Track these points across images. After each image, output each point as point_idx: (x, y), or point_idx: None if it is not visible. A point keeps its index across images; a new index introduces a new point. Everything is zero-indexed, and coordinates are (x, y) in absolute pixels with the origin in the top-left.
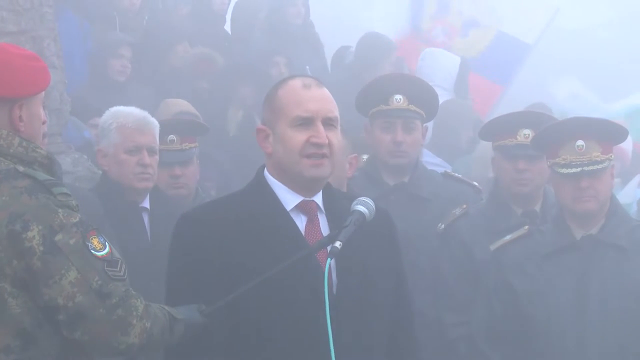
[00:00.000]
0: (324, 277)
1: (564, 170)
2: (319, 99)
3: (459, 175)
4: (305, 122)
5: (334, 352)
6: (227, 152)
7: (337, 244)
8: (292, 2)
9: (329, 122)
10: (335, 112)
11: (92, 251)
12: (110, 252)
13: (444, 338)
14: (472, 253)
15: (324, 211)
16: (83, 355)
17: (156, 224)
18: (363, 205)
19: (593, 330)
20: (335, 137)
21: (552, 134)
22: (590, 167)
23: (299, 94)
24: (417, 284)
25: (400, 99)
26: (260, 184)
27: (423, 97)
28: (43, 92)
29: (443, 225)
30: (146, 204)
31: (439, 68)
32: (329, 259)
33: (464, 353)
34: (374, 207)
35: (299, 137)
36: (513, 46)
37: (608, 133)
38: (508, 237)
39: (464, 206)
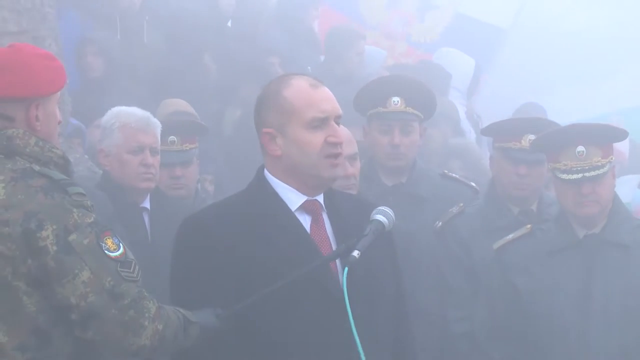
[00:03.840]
0: (344, 285)
1: (565, 176)
2: (329, 98)
3: (457, 176)
4: (321, 123)
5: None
6: (222, 151)
7: (355, 253)
8: (314, 5)
9: (337, 120)
10: (340, 109)
11: (106, 252)
12: (124, 253)
13: (447, 334)
14: (470, 250)
15: (325, 210)
16: (97, 354)
17: (156, 225)
18: (383, 215)
19: (596, 329)
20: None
21: (552, 139)
22: (592, 173)
23: (309, 94)
24: (419, 283)
25: (397, 101)
26: (262, 185)
27: (420, 99)
28: (59, 92)
29: (440, 223)
30: (146, 204)
31: (455, 70)
32: (345, 268)
33: (466, 350)
34: (393, 217)
35: (316, 139)
36: (482, 31)
37: (608, 137)
38: (510, 236)
39: (461, 204)
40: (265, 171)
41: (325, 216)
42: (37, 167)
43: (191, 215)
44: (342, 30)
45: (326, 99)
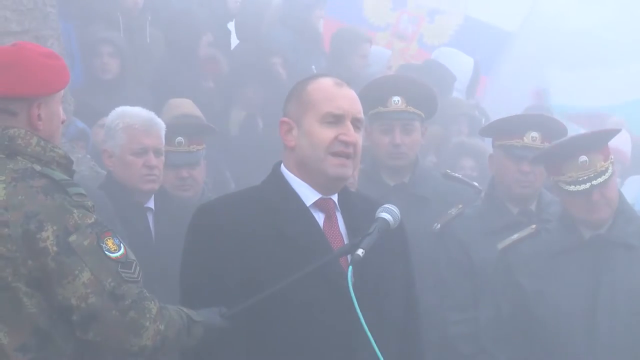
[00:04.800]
0: (349, 284)
1: (573, 188)
2: (351, 98)
3: (459, 175)
4: (336, 120)
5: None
6: (227, 152)
7: (360, 251)
8: (319, 5)
9: (356, 123)
10: (362, 114)
11: (107, 252)
12: (125, 254)
13: (445, 336)
14: (469, 252)
15: (339, 209)
16: (98, 355)
17: (160, 224)
18: (388, 213)
19: (603, 330)
20: (360, 139)
21: (553, 153)
22: (599, 180)
23: (331, 91)
24: (420, 283)
25: (398, 101)
26: (278, 180)
27: (421, 98)
28: (62, 91)
29: (439, 225)
30: (151, 204)
31: (454, 69)
32: (350, 267)
33: (465, 351)
34: (399, 215)
35: (327, 134)
36: (490, 33)
37: (606, 140)
38: (515, 236)
39: (460, 206)
40: (282, 166)
41: (339, 215)
42: (38, 167)
43: (205, 204)
44: (347, 33)
45: (347, 98)
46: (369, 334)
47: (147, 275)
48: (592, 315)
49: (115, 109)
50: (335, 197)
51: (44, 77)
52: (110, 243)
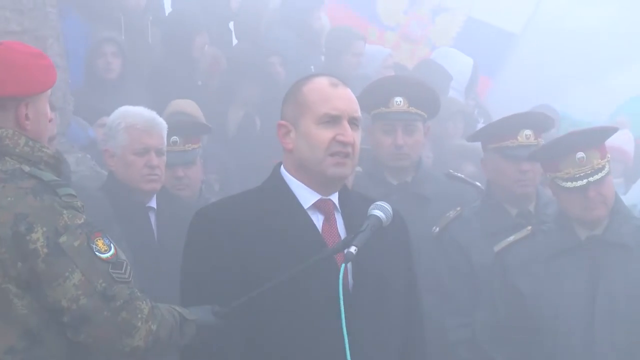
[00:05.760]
0: (339, 282)
1: (570, 184)
2: (347, 98)
3: (462, 176)
4: (333, 120)
5: (350, 354)
6: (227, 150)
7: (353, 249)
8: (318, 6)
9: (353, 122)
10: (360, 113)
11: (97, 253)
12: (116, 254)
13: (445, 341)
14: (468, 255)
15: (339, 210)
16: (90, 356)
17: (163, 224)
18: (380, 210)
19: (601, 331)
20: (358, 138)
21: (550, 150)
22: (595, 177)
23: (326, 91)
24: (421, 285)
25: (400, 102)
26: (277, 182)
27: (423, 99)
28: (49, 90)
29: (437, 228)
30: (153, 203)
31: (453, 69)
32: (343, 264)
33: (465, 356)
34: (391, 212)
35: (325, 135)
36: (494, 35)
37: (603, 137)
38: (511, 238)
39: (458, 209)
40: (282, 168)
41: (338, 216)
42: (27, 168)
43: (204, 208)
44: (341, 31)
45: (343, 98)
46: (345, 335)
47: (150, 274)
48: (590, 316)
49: (118, 108)
50: (335, 198)
51: (31, 77)
52: (100, 243)
